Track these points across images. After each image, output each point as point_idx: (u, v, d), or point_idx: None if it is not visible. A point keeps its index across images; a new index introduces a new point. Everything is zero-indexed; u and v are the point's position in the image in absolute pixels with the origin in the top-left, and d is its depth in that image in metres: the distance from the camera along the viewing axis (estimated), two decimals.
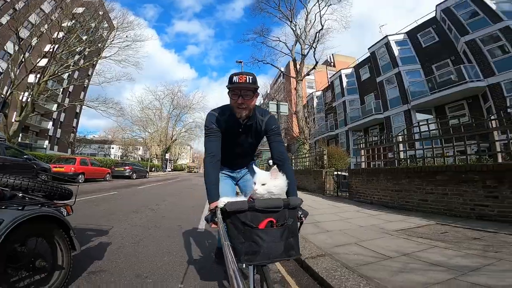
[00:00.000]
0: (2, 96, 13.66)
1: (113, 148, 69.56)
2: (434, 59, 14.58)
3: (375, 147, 7.41)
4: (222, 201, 1.15)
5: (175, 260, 2.60)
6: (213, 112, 1.63)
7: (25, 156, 8.69)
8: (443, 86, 13.13)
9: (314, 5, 18.14)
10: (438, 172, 4.85)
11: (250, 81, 1.41)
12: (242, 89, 1.43)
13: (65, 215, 2.08)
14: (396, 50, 16.57)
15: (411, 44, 16.16)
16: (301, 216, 1.23)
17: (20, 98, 15.60)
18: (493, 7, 11.81)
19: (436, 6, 14.65)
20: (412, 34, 16.24)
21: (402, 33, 17.05)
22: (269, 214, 1.07)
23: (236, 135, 1.65)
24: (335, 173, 9.42)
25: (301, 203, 1.19)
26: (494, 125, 4.46)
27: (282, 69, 24.51)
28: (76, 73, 28.05)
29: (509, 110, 9.85)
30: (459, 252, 2.60)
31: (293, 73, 19.91)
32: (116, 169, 18.41)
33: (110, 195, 7.90)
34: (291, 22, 18.74)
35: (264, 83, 35.12)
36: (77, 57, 20.34)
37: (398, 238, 3.29)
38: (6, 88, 15.23)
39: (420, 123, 6.32)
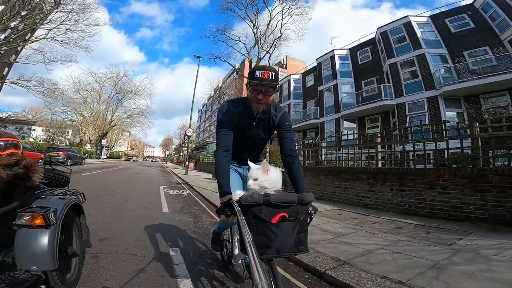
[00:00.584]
0: None
1: (34, 129, 59.73)
2: (365, 76, 17.58)
3: (307, 149, 9.23)
4: (237, 194, 1.16)
5: (158, 231, 3.57)
6: (227, 103, 1.63)
7: None
8: (367, 101, 16.09)
9: (278, 12, 19.70)
10: (343, 171, 6.75)
11: (273, 78, 1.40)
12: (264, 85, 1.41)
13: (82, 202, 2.12)
14: (338, 63, 19.26)
15: (350, 59, 19.01)
16: (311, 212, 1.25)
17: None
18: (418, 34, 14.30)
19: (377, 28, 17.35)
20: (353, 51, 19.10)
21: (346, 49, 19.83)
22: (282, 209, 1.08)
23: (249, 128, 1.62)
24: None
25: (313, 200, 1.20)
26: (379, 140, 6.51)
27: (237, 67, 25.55)
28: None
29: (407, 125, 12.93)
30: (341, 225, 4.24)
31: (246, 72, 21.18)
32: (48, 154, 16.85)
33: None
34: (254, 25, 19.94)
35: (217, 77, 35.56)
36: (8, 31, 17.53)
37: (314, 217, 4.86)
38: None
39: (343, 132, 8.27)
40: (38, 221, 1.45)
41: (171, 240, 3.16)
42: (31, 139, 45.73)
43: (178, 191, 8.35)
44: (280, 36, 19.37)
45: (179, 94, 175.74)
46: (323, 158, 8.19)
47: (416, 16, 15.22)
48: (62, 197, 1.78)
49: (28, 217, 1.45)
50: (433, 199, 4.76)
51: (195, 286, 2.02)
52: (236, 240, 1.97)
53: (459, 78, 11.99)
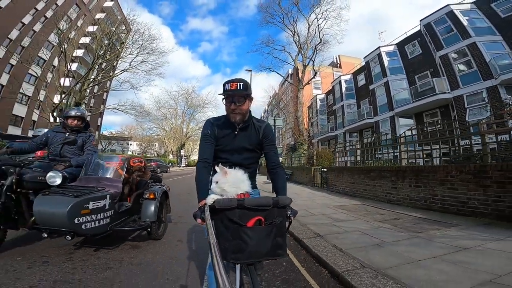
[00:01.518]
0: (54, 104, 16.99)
1: (131, 144, 73.83)
2: (417, 70, 16.60)
3: (364, 149, 9.91)
4: (211, 198, 1.16)
5: None
6: (210, 119, 1.69)
7: None
8: (422, 95, 15.24)
9: (314, 19, 20.49)
10: (371, 170, 7.43)
11: (241, 88, 1.48)
12: (234, 95, 1.50)
13: (168, 191, 4.13)
14: (386, 60, 18.66)
15: (399, 55, 18.19)
16: (290, 215, 1.24)
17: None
18: (464, 23, 13.31)
19: (420, 20, 16.42)
20: (401, 46, 18.25)
21: (392, 45, 19.07)
22: (257, 213, 1.08)
23: (232, 139, 1.62)
24: (321, 170, 12.01)
25: (290, 203, 1.20)
26: (402, 141, 6.98)
27: (289, 75, 26.88)
28: (99, 76, 31.79)
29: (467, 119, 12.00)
30: (348, 215, 5.26)
31: (296, 80, 22.35)
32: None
33: None
34: (293, 34, 21.18)
35: (272, 85, 37.51)
36: (103, 63, 23.53)
37: (331, 209, 5.95)
38: (59, 97, 18.49)
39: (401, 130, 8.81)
40: (151, 196, 3.33)
41: None
42: (129, 153, 57.10)
43: None
44: (320, 42, 19.90)
45: None
46: (357, 159, 8.87)
47: (458, 4, 14.00)
48: (160, 187, 3.77)
49: (148, 194, 3.36)
50: (444, 195, 5.24)
51: None
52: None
53: None
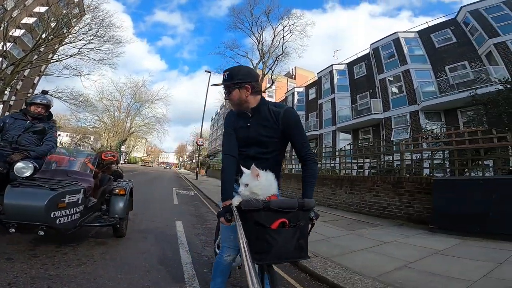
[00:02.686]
0: None
1: (59, 135, 64.44)
2: (359, 90, 18.96)
3: (291, 159, 10.94)
4: (237, 199, 1.15)
5: (169, 212, 5.49)
6: (229, 112, 1.65)
7: None
8: (361, 114, 17.51)
9: (280, 30, 21.75)
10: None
11: (226, 78, 1.47)
12: (224, 86, 1.50)
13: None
14: (336, 78, 20.83)
15: (348, 74, 20.47)
16: (313, 217, 1.25)
17: None
18: (405, 50, 15.06)
19: (370, 44, 18.06)
20: (350, 66, 20.51)
21: (344, 64, 21.30)
22: (282, 215, 1.09)
23: (246, 130, 1.51)
24: None
25: (314, 206, 1.20)
26: (341, 154, 8.18)
27: None
28: (35, 57, 27.37)
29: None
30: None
31: None
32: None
33: None
34: (258, 43, 22.10)
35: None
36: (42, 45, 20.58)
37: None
38: None
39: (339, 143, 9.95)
40: (121, 192, 3.33)
41: (176, 216, 5.16)
42: (58, 145, 49.77)
43: (187, 192, 10.38)
44: (282, 53, 21.35)
45: (196, 102, 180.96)
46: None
47: (405, 32, 16.02)
48: (127, 182, 3.84)
49: (117, 190, 3.33)
50: (371, 201, 6.39)
51: (186, 238, 3.85)
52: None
53: (440, 93, 12.84)
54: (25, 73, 22.45)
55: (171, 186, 12.44)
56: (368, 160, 8.35)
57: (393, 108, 15.40)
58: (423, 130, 10.33)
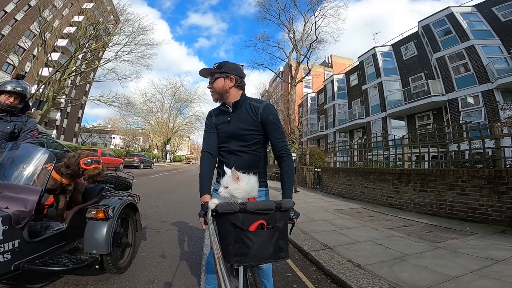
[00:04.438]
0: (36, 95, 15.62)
1: (113, 137, 70.94)
2: (411, 72, 16.54)
3: (354, 150, 9.55)
4: (213, 202, 1.13)
5: None
6: (209, 112, 1.66)
7: (64, 149, 10.78)
8: (416, 98, 15.18)
9: (311, 16, 20.09)
10: (371, 172, 7.05)
11: (215, 68, 1.50)
12: (210, 75, 1.52)
13: (137, 202, 2.77)
14: (380, 61, 18.55)
15: (394, 56, 18.12)
16: (293, 217, 1.23)
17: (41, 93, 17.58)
18: (464, 26, 13.25)
19: (418, 22, 16.31)
20: (396, 46, 18.16)
21: (388, 45, 18.98)
22: (260, 216, 1.08)
23: (227, 124, 1.52)
24: (314, 169, 11.61)
25: (293, 205, 1.19)
26: (405, 142, 6.64)
27: (280, 72, 26.44)
28: (83, 66, 30.08)
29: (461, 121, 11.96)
30: (352, 221, 4.81)
31: (289, 78, 21.93)
32: (126, 159, 20.55)
33: (134, 183, 10.10)
34: (289, 31, 20.73)
35: (262, 81, 37.14)
36: (86, 53, 22.15)
37: (331, 213, 5.49)
38: (36, 86, 17.11)
39: (372, 135, 8.47)
40: (100, 215, 2.02)
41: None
42: (111, 146, 54.82)
43: None
44: (316, 39, 19.60)
45: None
46: (355, 160, 8.49)
47: (459, 6, 13.99)
48: (120, 197, 2.40)
49: (94, 212, 2.04)
50: (453, 200, 4.89)
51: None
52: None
53: None
54: (77, 81, 24.54)
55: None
56: (435, 150, 6.71)
57: (458, 89, 12.94)
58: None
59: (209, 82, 1.53)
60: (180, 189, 9.06)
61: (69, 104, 23.85)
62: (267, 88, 41.38)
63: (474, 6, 13.47)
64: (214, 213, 1.11)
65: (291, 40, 20.64)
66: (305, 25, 20.30)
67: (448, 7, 14.00)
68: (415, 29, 16.71)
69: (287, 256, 1.16)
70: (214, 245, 0.91)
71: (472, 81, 12.25)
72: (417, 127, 15.17)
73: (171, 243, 3.30)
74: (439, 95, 13.82)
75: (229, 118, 1.52)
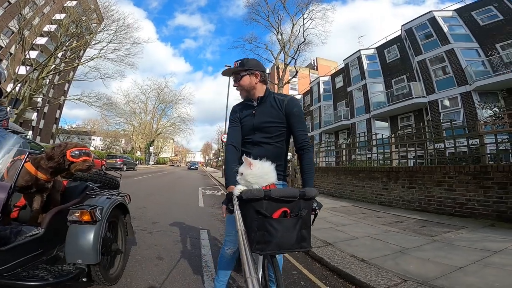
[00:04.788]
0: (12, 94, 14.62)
1: (93, 139, 68.16)
2: (394, 74, 17.12)
3: (339, 150, 9.71)
4: (238, 189, 1.13)
5: (193, 218, 4.63)
6: (233, 107, 1.70)
7: (42, 149, 10.14)
8: (398, 99, 15.71)
9: (299, 18, 20.32)
10: (360, 171, 7.17)
11: (238, 65, 1.55)
12: (233, 74, 1.58)
13: (127, 203, 2.34)
14: (365, 63, 19.06)
15: (378, 58, 18.68)
16: (316, 208, 1.22)
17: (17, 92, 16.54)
18: (445, 29, 13.77)
19: (401, 25, 16.90)
20: (380, 49, 18.73)
21: (372, 48, 19.54)
22: (283, 204, 1.07)
23: (252, 117, 1.56)
24: None
25: (316, 195, 1.18)
26: (393, 141, 6.82)
27: (268, 71, 26.51)
28: (62, 65, 28.62)
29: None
30: (346, 218, 4.84)
31: (275, 79, 22.02)
32: (108, 161, 19.72)
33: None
34: (277, 32, 20.83)
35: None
36: (67, 52, 21.15)
37: (324, 211, 5.50)
38: (12, 85, 16.05)
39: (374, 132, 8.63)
40: (86, 217, 1.65)
41: (202, 223, 4.20)
42: (92, 148, 52.56)
43: (214, 191, 9.55)
44: (304, 41, 19.85)
45: (221, 101, 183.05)
46: (343, 159, 8.62)
47: (441, 10, 14.63)
48: (109, 197, 1.99)
49: (78, 214, 1.66)
50: (441, 196, 5.05)
51: (213, 257, 2.93)
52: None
53: (494, 72, 11.33)
54: (55, 80, 23.32)
55: (197, 185, 11.76)
56: (420, 149, 6.94)
57: (438, 91, 13.53)
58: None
59: (234, 81, 1.58)
60: (167, 190, 8.78)
61: (47, 104, 22.60)
62: None
63: (455, 10, 14.12)
64: (239, 201, 1.10)
65: (279, 42, 20.76)
66: (293, 27, 20.50)
67: (431, 11, 14.56)
68: (399, 33, 17.31)
69: (310, 247, 1.14)
70: (239, 230, 0.90)
71: (451, 83, 12.82)
72: (399, 128, 15.69)
73: (166, 244, 3.14)
74: (420, 97, 14.37)
75: (253, 112, 1.57)
